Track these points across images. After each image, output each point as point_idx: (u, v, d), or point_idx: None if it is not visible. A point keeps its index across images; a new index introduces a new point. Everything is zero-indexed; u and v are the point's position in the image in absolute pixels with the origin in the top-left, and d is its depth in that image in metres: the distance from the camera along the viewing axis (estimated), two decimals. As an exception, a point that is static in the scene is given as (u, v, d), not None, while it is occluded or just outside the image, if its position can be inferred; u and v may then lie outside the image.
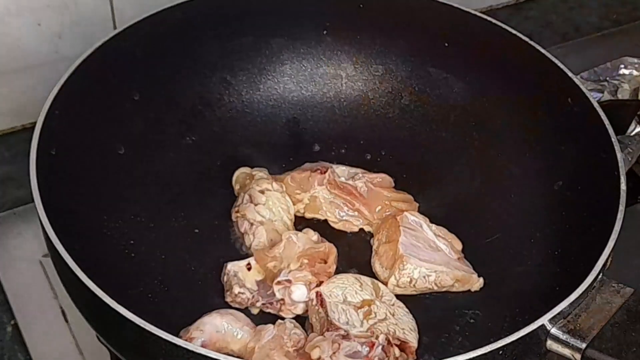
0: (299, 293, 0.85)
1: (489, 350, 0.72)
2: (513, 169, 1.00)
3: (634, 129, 1.12)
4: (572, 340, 0.76)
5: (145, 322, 0.71)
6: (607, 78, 1.17)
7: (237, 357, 0.80)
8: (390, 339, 0.81)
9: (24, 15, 1.07)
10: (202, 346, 0.79)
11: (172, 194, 0.97)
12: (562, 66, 0.97)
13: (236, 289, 0.86)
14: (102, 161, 0.93)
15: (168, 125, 1.01)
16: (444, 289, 0.90)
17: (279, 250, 0.88)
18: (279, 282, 0.86)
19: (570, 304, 0.76)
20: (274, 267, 0.88)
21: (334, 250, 0.90)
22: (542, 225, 0.95)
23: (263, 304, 0.87)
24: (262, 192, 0.94)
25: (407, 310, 0.86)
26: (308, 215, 0.96)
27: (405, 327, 0.84)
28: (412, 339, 0.83)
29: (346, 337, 0.81)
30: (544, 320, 0.75)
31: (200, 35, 1.02)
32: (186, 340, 0.79)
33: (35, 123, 0.85)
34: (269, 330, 0.82)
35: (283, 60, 1.07)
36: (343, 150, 1.05)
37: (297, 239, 0.89)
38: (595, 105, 0.93)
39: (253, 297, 0.87)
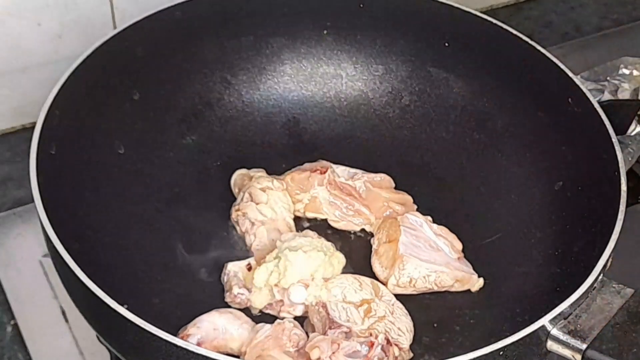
0: (298, 294, 0.85)
1: (489, 350, 0.72)
2: (513, 169, 1.00)
3: (634, 129, 1.12)
4: (572, 341, 0.76)
5: (145, 322, 0.71)
6: (607, 78, 1.17)
7: (236, 355, 0.81)
8: (390, 338, 0.81)
9: (24, 15, 1.07)
10: (199, 343, 0.79)
11: (172, 194, 0.97)
12: (562, 66, 0.97)
13: (236, 290, 0.86)
14: (102, 161, 0.93)
15: (168, 125, 1.01)
16: (443, 289, 0.90)
17: (279, 251, 0.88)
18: (277, 284, 0.86)
19: (571, 304, 0.76)
20: (274, 267, 0.88)
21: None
22: (542, 226, 0.95)
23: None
24: (263, 190, 0.94)
25: (406, 311, 0.86)
26: (309, 214, 0.96)
27: (402, 326, 0.84)
28: (404, 340, 0.83)
29: (348, 334, 0.81)
30: (545, 321, 0.75)
31: (200, 34, 1.03)
32: (182, 336, 0.80)
33: (35, 123, 0.85)
34: (264, 328, 0.82)
35: (283, 60, 1.07)
36: (343, 150, 1.05)
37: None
38: (596, 105, 0.93)
39: (253, 297, 0.87)
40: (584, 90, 0.95)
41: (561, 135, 0.97)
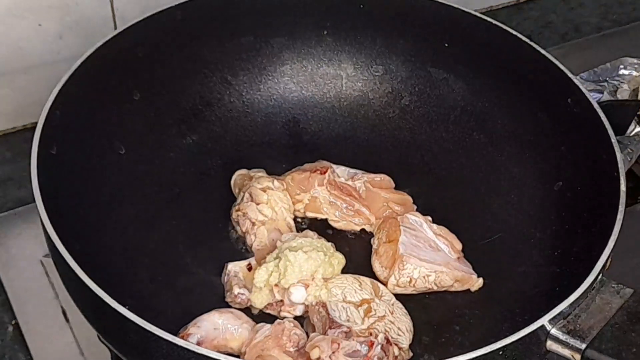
0: (298, 295, 0.85)
1: (489, 350, 0.72)
2: (513, 169, 1.00)
3: (634, 129, 1.12)
4: (572, 341, 0.76)
5: (146, 322, 0.72)
6: (607, 78, 1.17)
7: (236, 355, 0.81)
8: (389, 338, 0.81)
9: (24, 15, 1.07)
10: (199, 343, 0.80)
11: (172, 194, 0.98)
12: (561, 66, 0.97)
13: (236, 290, 0.86)
14: (102, 161, 0.93)
15: (168, 125, 1.01)
16: (443, 289, 0.90)
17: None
18: (278, 284, 0.86)
19: (570, 304, 0.76)
20: (274, 267, 0.88)
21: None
22: (542, 226, 0.95)
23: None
24: (263, 190, 0.94)
25: (406, 311, 0.86)
26: (309, 214, 0.97)
27: (402, 326, 0.84)
28: (404, 340, 0.83)
29: (348, 334, 0.81)
30: (544, 320, 0.75)
31: (201, 35, 1.03)
32: (183, 336, 0.80)
33: (36, 123, 0.85)
34: (264, 328, 0.82)
35: (283, 60, 1.07)
36: (343, 150, 1.05)
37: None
38: (595, 105, 0.93)
39: (253, 297, 0.87)
40: (584, 90, 0.95)
41: (561, 135, 0.97)
